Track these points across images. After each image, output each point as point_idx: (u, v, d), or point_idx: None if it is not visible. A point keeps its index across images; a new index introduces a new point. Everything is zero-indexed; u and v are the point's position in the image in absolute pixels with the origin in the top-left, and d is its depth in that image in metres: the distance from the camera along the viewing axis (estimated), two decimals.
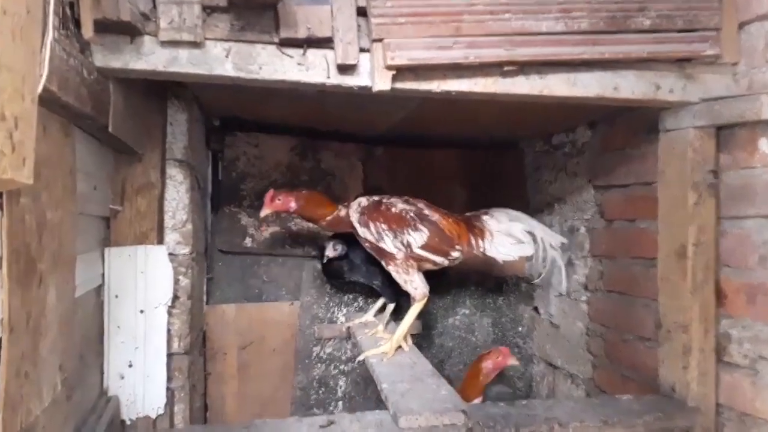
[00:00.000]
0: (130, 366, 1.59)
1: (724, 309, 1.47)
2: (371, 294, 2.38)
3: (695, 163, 1.43)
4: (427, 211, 1.84)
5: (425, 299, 1.81)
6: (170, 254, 1.69)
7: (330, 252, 2.01)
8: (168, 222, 1.72)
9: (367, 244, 1.82)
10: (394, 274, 1.81)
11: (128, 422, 1.59)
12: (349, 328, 2.25)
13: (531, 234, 1.87)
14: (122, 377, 1.58)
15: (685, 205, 1.46)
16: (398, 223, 1.79)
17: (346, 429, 1.31)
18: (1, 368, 0.83)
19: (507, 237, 1.86)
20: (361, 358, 1.83)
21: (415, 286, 1.80)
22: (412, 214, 1.81)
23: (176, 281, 1.71)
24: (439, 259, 1.83)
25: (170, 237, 1.73)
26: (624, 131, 1.88)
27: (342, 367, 2.43)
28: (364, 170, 2.47)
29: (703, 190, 1.43)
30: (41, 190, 0.98)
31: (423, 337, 2.50)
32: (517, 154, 2.65)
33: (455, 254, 1.84)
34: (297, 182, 2.36)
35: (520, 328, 2.61)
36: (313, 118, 2.07)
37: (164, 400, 1.63)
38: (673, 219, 1.51)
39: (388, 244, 1.78)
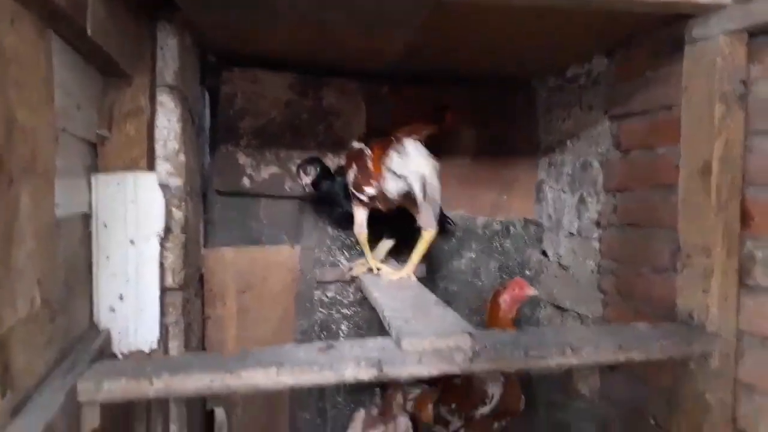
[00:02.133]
0: (121, 299, 1.51)
1: (748, 230, 1.38)
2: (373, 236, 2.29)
3: (724, 72, 1.32)
4: (366, 152, 1.78)
5: (360, 235, 1.92)
6: (162, 185, 1.60)
7: (304, 180, 1.98)
8: (159, 151, 1.63)
9: None
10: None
11: (120, 356, 1.53)
12: (351, 269, 2.17)
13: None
14: (113, 310, 1.51)
15: (711, 119, 1.35)
16: (348, 163, 1.88)
17: (346, 353, 1.24)
18: None
19: (391, 172, 1.63)
20: (383, 281, 1.78)
21: (355, 222, 1.91)
22: (353, 154, 1.84)
23: (169, 213, 1.62)
24: (361, 195, 1.78)
25: (162, 167, 1.64)
26: (644, 54, 1.76)
27: (344, 311, 2.37)
28: (368, 110, 2.35)
29: (732, 102, 1.33)
30: (9, 87, 0.90)
31: (427, 282, 2.42)
32: (529, 92, 2.52)
33: (370, 191, 1.74)
34: (297, 121, 2.25)
35: (527, 272, 2.53)
36: (313, 46, 1.94)
37: (157, 335, 1.56)
38: (698, 136, 1.40)
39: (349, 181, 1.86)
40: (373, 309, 2.35)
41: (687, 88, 1.45)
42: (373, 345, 1.29)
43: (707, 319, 1.38)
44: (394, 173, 1.59)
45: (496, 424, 2.01)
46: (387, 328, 1.39)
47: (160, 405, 1.61)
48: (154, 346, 1.56)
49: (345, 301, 2.36)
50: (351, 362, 1.20)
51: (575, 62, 2.18)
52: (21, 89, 0.96)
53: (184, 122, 1.70)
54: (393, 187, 1.63)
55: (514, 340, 1.31)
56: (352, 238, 2.36)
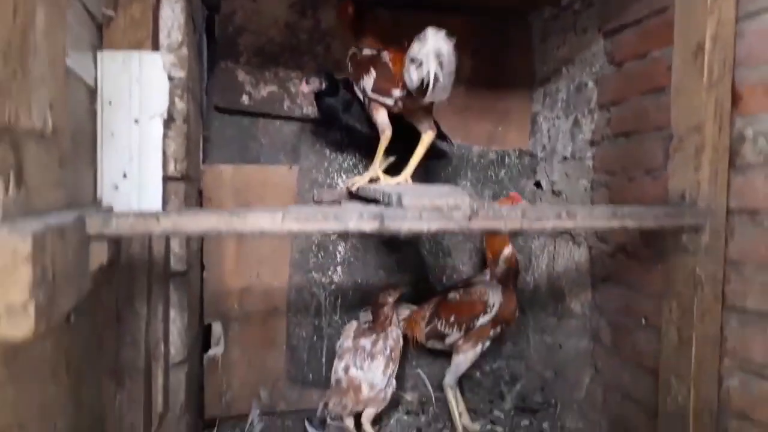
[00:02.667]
0: (125, 177, 1.53)
1: (737, 111, 1.42)
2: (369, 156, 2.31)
3: None
4: (385, 53, 1.82)
5: (384, 135, 1.87)
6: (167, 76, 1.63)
7: (304, 88, 1.98)
8: (163, 41, 1.65)
9: None
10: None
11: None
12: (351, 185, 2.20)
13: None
14: (116, 188, 1.53)
15: (704, 1, 1.40)
16: (358, 70, 1.86)
17: (350, 208, 1.27)
18: None
19: (413, 61, 1.63)
20: (380, 187, 1.79)
21: (379, 124, 1.87)
22: (366, 59, 1.85)
23: (172, 104, 1.64)
24: (386, 99, 1.81)
25: (165, 58, 1.65)
26: None
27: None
28: None
29: None
30: None
31: None
32: (525, 26, 2.56)
33: (396, 92, 1.77)
34: (295, 41, 2.28)
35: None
36: None
37: None
38: (691, 18, 1.45)
39: (358, 89, 1.89)
40: (371, 234, 2.40)
41: None
42: (375, 207, 1.32)
43: (698, 196, 1.43)
44: (413, 60, 1.60)
45: (492, 332, 2.06)
46: (386, 200, 1.42)
47: (161, 288, 1.64)
48: None
49: None
50: (354, 214, 1.23)
51: None
52: None
53: (186, 17, 1.72)
54: (415, 77, 1.62)
55: (513, 209, 1.35)
56: (349, 161, 2.39)
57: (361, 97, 1.91)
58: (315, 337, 2.37)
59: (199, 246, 2.14)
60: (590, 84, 2.12)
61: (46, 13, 1.02)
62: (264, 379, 2.32)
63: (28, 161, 0.96)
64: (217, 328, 2.27)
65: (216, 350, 2.28)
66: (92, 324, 1.43)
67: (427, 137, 1.82)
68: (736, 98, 1.42)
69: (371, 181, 2.01)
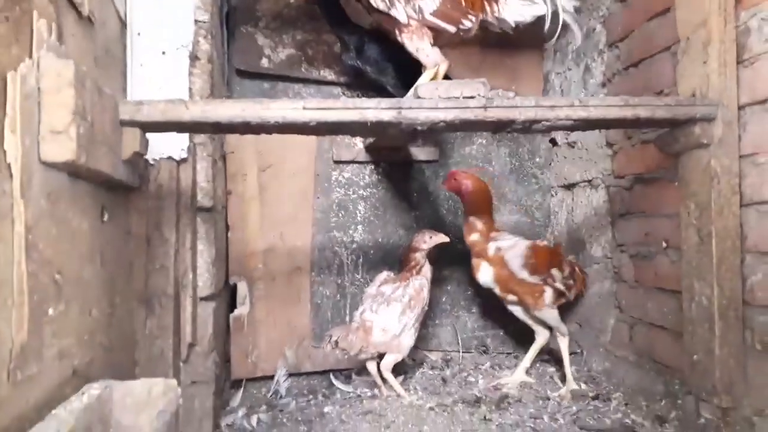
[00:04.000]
0: None
1: (741, 5, 1.46)
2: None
3: None
4: None
5: (437, 67, 1.79)
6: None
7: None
8: None
9: (373, 21, 1.76)
10: (406, 43, 1.75)
11: (152, 162, 1.61)
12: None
13: None
14: None
15: None
16: None
17: (368, 100, 1.32)
18: None
19: None
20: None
21: (427, 53, 1.76)
22: None
23: (197, 43, 1.73)
24: (451, 27, 1.81)
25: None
26: None
27: (360, 192, 2.44)
28: None
29: None
30: None
31: (441, 166, 2.50)
32: None
33: (467, 23, 1.79)
34: (312, 5, 2.37)
35: (537, 159, 2.60)
36: None
37: (188, 143, 1.65)
38: None
39: (400, 10, 1.70)
40: (389, 189, 2.44)
41: None
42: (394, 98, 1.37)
43: (708, 90, 1.45)
44: None
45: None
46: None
47: (189, 219, 1.69)
48: (184, 155, 1.65)
49: (361, 183, 2.44)
50: (372, 103, 1.28)
51: None
52: None
53: None
54: (528, 13, 1.76)
55: (525, 96, 1.38)
56: None
57: (403, 18, 1.70)
58: (338, 296, 2.39)
59: (224, 197, 2.20)
60: (598, 27, 2.18)
61: None
62: (290, 338, 2.34)
63: (67, 28, 1.03)
64: (242, 288, 2.30)
65: (242, 310, 2.31)
66: (124, 243, 1.49)
67: (431, 70, 1.82)
68: None
69: None
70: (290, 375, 2.31)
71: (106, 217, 1.29)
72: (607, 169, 2.13)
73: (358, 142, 2.44)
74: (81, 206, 1.09)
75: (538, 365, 2.30)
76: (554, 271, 2.08)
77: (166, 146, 1.63)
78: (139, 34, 1.59)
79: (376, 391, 2.08)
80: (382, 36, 1.91)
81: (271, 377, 2.29)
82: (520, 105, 1.32)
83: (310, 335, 2.36)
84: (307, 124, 1.26)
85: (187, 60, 1.66)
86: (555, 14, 1.78)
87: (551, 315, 2.08)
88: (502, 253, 2.06)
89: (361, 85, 2.39)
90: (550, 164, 2.58)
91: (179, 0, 1.64)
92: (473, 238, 2.12)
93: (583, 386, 2.02)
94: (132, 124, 1.20)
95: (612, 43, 2.08)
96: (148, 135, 1.31)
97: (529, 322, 2.18)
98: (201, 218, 1.75)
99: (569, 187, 2.43)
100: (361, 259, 2.42)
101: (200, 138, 1.73)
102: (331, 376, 2.26)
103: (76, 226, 1.07)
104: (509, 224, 2.53)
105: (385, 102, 1.28)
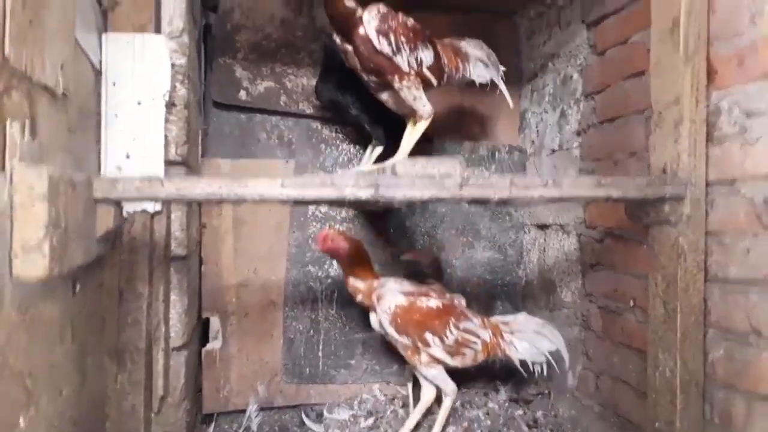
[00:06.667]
0: (128, 157, 1.59)
1: (713, 85, 1.49)
2: (364, 148, 2.37)
3: None
4: (426, 31, 1.86)
5: (431, 118, 1.83)
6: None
7: None
8: (165, 27, 1.71)
9: (370, 63, 1.75)
10: (404, 90, 1.78)
11: (125, 215, 1.59)
12: None
13: (491, 59, 2.08)
14: (119, 168, 1.58)
15: None
16: (414, 38, 1.77)
17: (347, 176, 1.33)
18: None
19: (480, 61, 2.03)
20: (363, 168, 1.84)
21: (423, 103, 1.81)
22: (420, 30, 1.81)
23: (173, 88, 1.70)
24: (435, 81, 1.85)
25: (167, 44, 1.72)
26: None
27: (337, 226, 2.44)
28: None
29: None
30: None
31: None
32: (511, 25, 2.66)
33: (445, 77, 1.89)
34: (291, 38, 2.36)
35: None
36: None
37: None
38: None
39: (404, 59, 1.75)
40: (365, 225, 2.45)
41: None
42: (371, 174, 1.38)
43: (678, 167, 1.49)
44: (480, 60, 2.02)
45: None
46: (383, 170, 1.47)
47: (163, 270, 1.67)
48: (158, 208, 1.63)
49: (338, 217, 2.44)
50: (350, 181, 1.28)
51: None
52: None
53: (188, 5, 1.78)
54: (486, 74, 2.03)
55: (501, 174, 1.40)
56: (344, 155, 2.45)
57: (405, 66, 1.76)
58: (312, 331, 2.39)
59: (198, 237, 2.18)
60: (575, 76, 2.21)
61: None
62: (262, 373, 2.34)
63: (41, 116, 1.01)
64: (215, 323, 2.29)
65: (214, 344, 2.30)
66: (96, 301, 1.47)
67: (425, 121, 1.86)
68: (711, 72, 1.49)
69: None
70: (262, 409, 2.31)
71: (77, 289, 1.27)
72: (579, 216, 2.17)
73: None
74: (52, 299, 1.08)
75: (507, 408, 2.34)
76: (429, 336, 1.85)
77: (139, 201, 1.61)
78: (114, 83, 1.56)
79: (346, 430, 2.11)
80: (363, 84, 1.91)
81: (243, 411, 2.29)
82: (495, 185, 1.34)
83: (282, 370, 2.37)
84: (285, 200, 1.26)
85: (163, 109, 1.64)
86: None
87: (431, 374, 1.91)
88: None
89: (338, 119, 2.38)
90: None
91: (155, 48, 1.62)
92: (359, 298, 1.97)
93: None
94: (106, 201, 1.18)
95: (588, 94, 2.11)
96: None
97: (417, 374, 2.01)
98: (174, 268, 1.73)
99: (542, 227, 2.47)
100: (335, 294, 2.42)
101: None
102: (303, 414, 2.27)
103: (47, 317, 1.05)
104: (482, 261, 2.57)
105: (363, 180, 1.29)
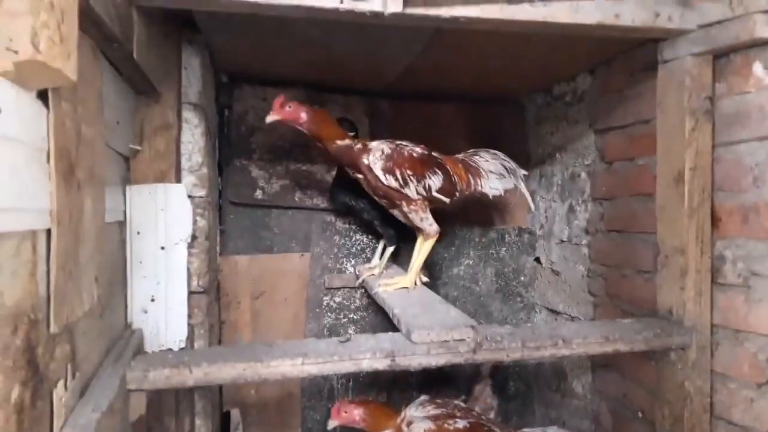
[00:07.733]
0: (153, 300, 1.66)
1: (718, 232, 1.54)
2: (376, 240, 2.43)
3: (692, 90, 1.49)
4: (435, 155, 1.92)
5: (438, 235, 1.90)
6: (188, 196, 1.75)
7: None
8: (184, 164, 1.78)
9: (379, 191, 1.83)
10: (411, 215, 1.86)
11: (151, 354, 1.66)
12: (357, 275, 2.32)
13: (508, 167, 2.04)
14: (145, 311, 1.65)
15: (682, 132, 1.52)
16: (421, 169, 1.84)
17: (363, 344, 1.39)
18: (52, 257, 0.89)
19: (493, 173, 2.01)
20: (379, 290, 1.90)
21: (430, 222, 1.90)
22: (427, 159, 1.89)
23: (194, 222, 1.77)
24: (447, 199, 1.91)
25: (187, 179, 1.79)
26: (622, 72, 1.94)
27: (351, 315, 2.51)
28: (370, 124, 2.52)
29: (700, 116, 1.50)
30: (77, 103, 1.04)
31: (428, 287, 2.56)
32: (518, 108, 2.70)
33: (457, 194, 1.95)
34: (304, 137, 2.40)
35: (522, 278, 2.68)
36: (320, 68, 2.12)
37: (186, 334, 1.70)
38: (671, 147, 1.57)
39: (412, 189, 1.82)
40: (378, 312, 2.51)
41: (661, 104, 1.62)
42: (386, 338, 1.44)
43: (684, 314, 1.53)
44: (492, 171, 2.00)
45: None
46: (397, 324, 1.53)
47: (188, 400, 1.75)
48: (182, 344, 1.70)
49: (352, 306, 2.50)
50: (367, 353, 1.34)
51: (561, 80, 2.36)
52: (84, 106, 1.10)
53: (206, 137, 1.86)
54: (501, 186, 2.01)
55: (511, 333, 1.46)
56: (357, 246, 2.51)
57: (414, 195, 1.83)
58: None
59: (218, 334, 2.25)
60: (583, 175, 2.24)
61: (92, 198, 1.14)
62: None
63: (80, 340, 1.07)
64: (235, 415, 2.36)
65: None
66: None
67: (432, 239, 1.93)
68: (715, 220, 1.54)
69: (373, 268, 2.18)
70: None
71: None
72: (588, 314, 2.22)
73: (350, 268, 2.50)
74: None
75: None
76: None
77: (164, 338, 1.68)
78: (138, 233, 1.63)
79: None
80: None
81: None
82: (507, 348, 1.40)
83: None
84: (306, 376, 1.32)
85: (185, 251, 1.70)
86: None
87: None
88: None
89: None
90: (534, 282, 2.67)
91: (177, 195, 1.68)
92: None
93: None
94: (138, 390, 1.25)
95: (596, 198, 2.15)
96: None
97: None
98: (198, 395, 1.80)
99: (553, 311, 2.52)
100: (351, 383, 2.49)
101: (198, 318, 1.78)
102: None
103: None
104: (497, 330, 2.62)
105: (380, 352, 1.35)
